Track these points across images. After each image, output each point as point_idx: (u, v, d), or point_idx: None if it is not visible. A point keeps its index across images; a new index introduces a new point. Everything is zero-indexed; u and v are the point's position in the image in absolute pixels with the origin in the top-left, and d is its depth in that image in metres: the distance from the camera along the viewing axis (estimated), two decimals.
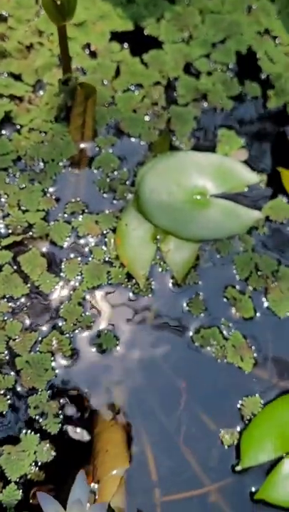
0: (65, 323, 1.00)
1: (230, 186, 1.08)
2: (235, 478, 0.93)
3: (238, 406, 0.96)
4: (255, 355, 0.99)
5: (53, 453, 0.91)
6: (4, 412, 0.94)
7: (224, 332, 1.00)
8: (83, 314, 1.00)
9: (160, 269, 1.04)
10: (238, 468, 0.93)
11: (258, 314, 1.02)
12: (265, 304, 1.02)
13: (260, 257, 1.05)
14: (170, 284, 1.03)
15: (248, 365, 0.98)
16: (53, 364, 0.97)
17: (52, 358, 0.98)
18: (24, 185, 1.08)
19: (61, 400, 0.95)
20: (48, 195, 1.07)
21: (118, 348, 0.99)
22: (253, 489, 0.92)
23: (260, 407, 0.96)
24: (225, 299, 1.02)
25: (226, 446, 0.94)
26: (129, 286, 1.02)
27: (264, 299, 1.03)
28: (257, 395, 0.97)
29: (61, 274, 1.03)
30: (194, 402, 0.97)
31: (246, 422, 0.95)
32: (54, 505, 0.65)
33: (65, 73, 1.10)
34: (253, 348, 0.99)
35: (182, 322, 1.01)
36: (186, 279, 1.03)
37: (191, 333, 1.00)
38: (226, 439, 0.94)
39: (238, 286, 1.03)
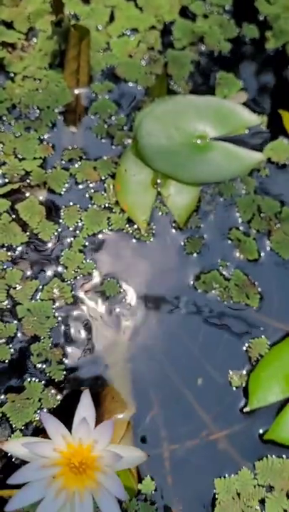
0: (65, 270, 0.97)
1: (230, 129, 1.04)
2: (244, 423, 0.90)
3: (245, 348, 0.93)
4: (259, 289, 0.96)
5: (58, 398, 0.89)
6: (7, 361, 0.91)
7: (224, 273, 0.97)
8: (84, 261, 0.97)
9: (161, 214, 1.00)
10: (247, 409, 0.90)
11: (262, 256, 0.98)
12: (269, 246, 0.99)
13: (263, 199, 1.01)
14: (172, 229, 1.00)
15: (254, 301, 0.95)
16: (55, 311, 0.94)
17: (53, 306, 0.95)
18: (20, 133, 1.03)
19: (64, 347, 0.92)
20: (45, 142, 1.03)
21: (121, 294, 0.96)
22: (261, 431, 0.90)
23: (267, 348, 0.93)
24: (228, 241, 0.99)
25: (234, 388, 0.91)
26: (131, 231, 0.99)
27: (267, 241, 0.99)
28: (263, 336, 0.94)
29: (60, 221, 0.99)
30: (200, 347, 0.94)
31: (253, 363, 0.93)
32: (58, 427, 0.62)
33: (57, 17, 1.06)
34: (257, 284, 0.96)
35: (185, 266, 0.98)
36: (188, 223, 1.00)
37: (193, 277, 0.97)
38: (235, 381, 0.91)
39: (241, 228, 1.00)
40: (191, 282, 0.96)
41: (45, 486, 0.60)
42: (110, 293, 0.95)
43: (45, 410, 0.88)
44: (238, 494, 0.86)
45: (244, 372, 0.92)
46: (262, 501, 0.86)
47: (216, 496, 0.86)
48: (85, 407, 0.61)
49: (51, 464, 0.62)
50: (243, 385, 0.91)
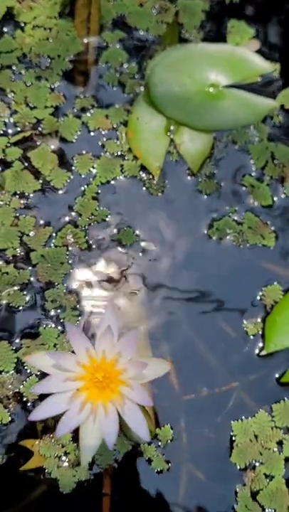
0: (80, 217, 0.94)
1: (242, 76, 1.01)
2: (261, 369, 0.88)
3: (259, 297, 0.91)
4: (272, 228, 0.94)
5: None
6: (21, 307, 0.89)
7: (236, 218, 0.94)
8: (98, 208, 0.95)
9: (174, 161, 0.97)
10: (263, 353, 0.88)
11: (276, 202, 0.96)
12: (283, 193, 0.97)
13: (276, 146, 0.98)
14: (185, 175, 0.97)
15: (270, 240, 0.93)
16: (68, 258, 0.92)
17: (67, 252, 0.92)
18: (31, 83, 1.00)
19: (79, 293, 0.90)
20: (56, 91, 1.00)
21: (135, 241, 0.93)
22: (278, 375, 0.88)
23: (281, 294, 0.91)
24: (242, 188, 0.97)
25: (251, 336, 0.89)
26: (144, 178, 0.96)
27: (281, 188, 0.97)
28: (276, 283, 0.92)
29: (73, 168, 0.97)
30: (214, 296, 0.92)
31: (268, 310, 0.91)
32: (83, 340, 0.59)
33: None
34: (270, 223, 0.94)
35: (199, 212, 0.95)
36: (202, 170, 0.97)
37: (206, 225, 0.94)
38: (250, 329, 0.89)
39: (254, 175, 0.97)
40: (205, 231, 0.94)
41: (69, 398, 0.58)
42: (126, 241, 0.93)
43: None
44: (256, 436, 0.84)
45: (259, 319, 0.90)
46: (279, 443, 0.84)
47: (234, 438, 0.84)
48: (109, 318, 0.59)
49: (75, 377, 0.59)
50: (260, 332, 0.89)
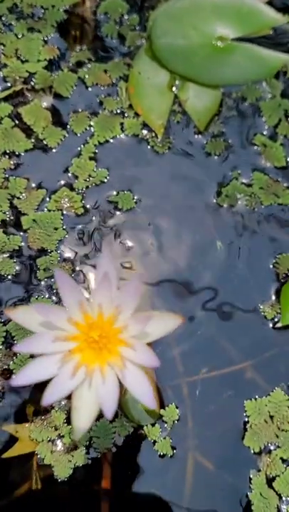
0: (76, 180, 0.85)
1: (253, 29, 0.92)
2: (275, 345, 0.79)
3: (271, 266, 0.82)
4: (285, 184, 0.85)
5: None
6: (11, 276, 0.80)
7: (244, 181, 0.85)
8: (96, 170, 0.85)
9: (179, 119, 0.88)
10: (279, 325, 0.79)
11: None
12: None
13: None
14: (191, 134, 0.88)
15: (286, 198, 0.84)
16: (63, 223, 0.82)
17: (62, 217, 0.83)
18: (22, 34, 0.91)
19: (74, 261, 0.81)
20: (50, 44, 0.91)
21: (136, 207, 0.84)
22: None
23: None
24: (253, 147, 0.87)
25: (265, 318, 0.80)
26: (146, 137, 0.87)
27: None
28: None
29: (68, 127, 0.87)
30: (227, 266, 0.82)
31: (282, 280, 0.81)
32: (75, 291, 0.49)
33: None
34: (281, 180, 0.85)
35: (208, 174, 0.86)
36: (209, 128, 0.88)
37: (216, 189, 0.85)
38: (268, 313, 0.80)
39: (266, 134, 0.88)
40: (214, 200, 0.84)
41: (59, 361, 0.48)
42: (124, 206, 0.84)
43: None
44: (271, 417, 0.75)
45: (273, 298, 0.81)
46: None
47: (247, 419, 0.75)
48: (106, 264, 0.49)
49: (66, 337, 0.50)
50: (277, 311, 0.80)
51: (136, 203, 0.84)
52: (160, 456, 0.73)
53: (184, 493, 0.73)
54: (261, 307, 0.79)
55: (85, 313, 0.50)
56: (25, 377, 0.47)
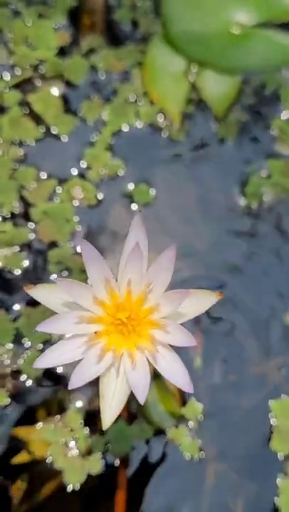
0: (89, 170, 0.80)
1: (272, 15, 0.87)
2: None
3: None
4: None
5: None
6: (21, 271, 0.74)
7: (262, 174, 0.80)
8: (110, 160, 0.80)
9: (196, 107, 0.83)
10: None
11: None
12: None
13: None
14: (209, 122, 0.83)
15: None
16: (75, 214, 0.77)
17: (74, 209, 0.78)
18: (31, 22, 0.86)
19: None
20: (61, 31, 0.86)
21: (152, 198, 0.79)
22: None
23: None
24: (272, 134, 0.82)
25: None
26: (162, 126, 0.82)
27: None
28: None
29: (80, 115, 0.82)
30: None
31: None
32: (101, 267, 0.44)
33: None
34: None
35: (228, 163, 0.81)
36: (228, 115, 0.83)
37: (238, 192, 0.80)
38: None
39: (285, 120, 0.83)
40: (241, 203, 0.79)
41: (83, 344, 0.43)
42: (140, 200, 0.78)
43: None
44: None
45: None
46: None
47: (274, 420, 0.69)
48: (137, 232, 0.43)
49: (91, 319, 0.44)
50: None
51: (152, 199, 0.79)
52: (184, 460, 0.68)
53: (206, 493, 0.67)
54: None
55: (111, 292, 0.44)
56: (48, 359, 0.42)
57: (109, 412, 0.43)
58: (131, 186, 0.79)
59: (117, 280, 0.45)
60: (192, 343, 0.42)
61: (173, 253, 0.42)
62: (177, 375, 0.43)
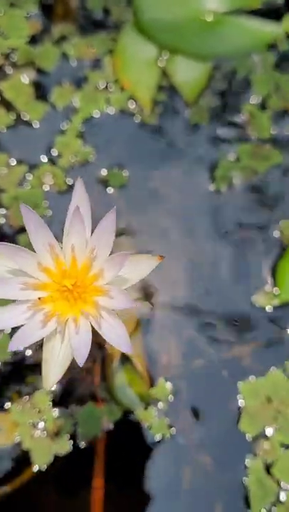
0: (60, 157, 0.80)
1: (242, 2, 0.87)
2: (271, 323, 0.73)
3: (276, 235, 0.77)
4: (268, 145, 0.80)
5: None
6: None
7: (230, 158, 0.80)
8: (82, 147, 0.80)
9: (167, 93, 0.83)
10: (276, 302, 0.74)
11: (275, 135, 0.81)
12: (285, 126, 0.82)
13: (281, 76, 0.84)
14: (180, 108, 0.83)
15: (277, 157, 0.79)
16: (46, 200, 0.77)
17: (44, 194, 0.78)
18: (3, 11, 0.87)
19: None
20: (32, 19, 0.87)
21: (125, 185, 0.79)
22: None
23: None
24: (241, 118, 0.82)
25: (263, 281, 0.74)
26: (133, 112, 0.82)
27: (283, 121, 0.82)
28: None
29: (52, 102, 0.82)
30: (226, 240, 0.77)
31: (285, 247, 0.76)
32: (44, 233, 0.44)
33: None
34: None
35: (198, 149, 0.81)
36: (198, 101, 0.83)
37: (209, 169, 0.80)
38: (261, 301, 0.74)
39: (255, 105, 0.83)
40: (210, 188, 0.79)
41: (28, 310, 0.43)
42: (115, 183, 0.78)
43: None
44: (268, 399, 0.69)
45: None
46: None
47: (243, 401, 0.69)
48: (79, 197, 0.43)
49: (36, 285, 0.44)
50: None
51: (125, 182, 0.79)
52: (153, 443, 0.68)
53: (179, 475, 0.67)
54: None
55: (56, 259, 0.44)
56: None
57: (52, 375, 0.43)
58: (104, 172, 0.79)
59: (62, 248, 0.45)
60: (130, 304, 0.42)
61: (113, 216, 0.42)
62: (118, 338, 0.43)
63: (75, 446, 0.67)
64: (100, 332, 0.43)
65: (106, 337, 0.42)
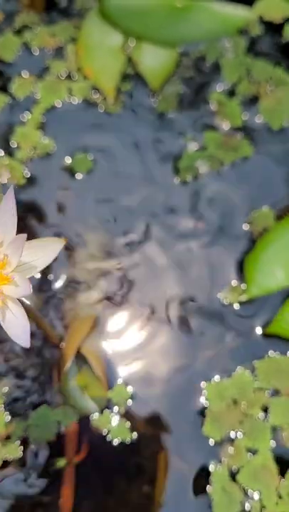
0: (19, 149, 0.76)
1: None
2: (239, 321, 0.69)
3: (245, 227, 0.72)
4: (238, 137, 0.76)
5: None
6: None
7: (195, 147, 0.76)
8: (42, 139, 0.76)
9: (132, 81, 0.79)
10: (243, 298, 0.69)
11: (245, 122, 0.77)
12: (255, 113, 0.77)
13: (253, 62, 0.80)
14: (145, 95, 0.78)
15: (246, 149, 0.74)
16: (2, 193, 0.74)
17: (1, 187, 0.74)
18: None
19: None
20: None
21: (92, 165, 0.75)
22: (262, 326, 0.68)
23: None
24: (209, 106, 0.78)
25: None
26: (97, 101, 0.78)
27: (253, 108, 0.78)
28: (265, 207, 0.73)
29: (11, 92, 0.79)
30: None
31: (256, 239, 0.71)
32: None
33: None
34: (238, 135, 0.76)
35: (163, 139, 0.77)
36: (164, 88, 0.79)
37: (172, 168, 0.75)
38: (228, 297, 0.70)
39: (224, 92, 0.78)
40: (175, 180, 0.75)
41: None
42: (81, 169, 0.74)
43: None
44: (234, 401, 0.65)
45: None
46: (264, 408, 0.65)
47: (207, 403, 0.65)
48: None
49: None
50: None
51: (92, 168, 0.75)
52: (113, 446, 0.63)
53: (135, 482, 0.63)
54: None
55: None
56: None
57: None
58: (68, 160, 0.75)
59: None
60: (27, 291, 0.38)
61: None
62: (18, 330, 0.38)
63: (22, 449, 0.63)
64: (3, 325, 0.39)
65: (6, 328, 0.38)
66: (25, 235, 0.39)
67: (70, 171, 0.75)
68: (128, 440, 0.63)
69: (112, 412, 0.64)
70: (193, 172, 0.74)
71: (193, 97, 0.78)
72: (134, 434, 0.64)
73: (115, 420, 0.64)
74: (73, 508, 0.63)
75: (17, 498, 0.63)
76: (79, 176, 0.75)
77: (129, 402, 0.65)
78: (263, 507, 0.61)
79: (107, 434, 0.63)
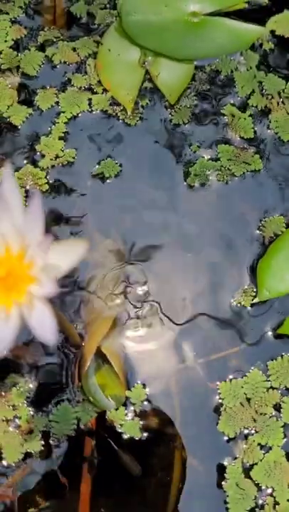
0: (42, 158, 0.78)
1: (226, 3, 0.86)
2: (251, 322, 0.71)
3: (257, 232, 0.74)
4: (252, 150, 0.78)
5: None
6: None
7: (209, 156, 0.78)
8: (64, 149, 0.79)
9: (150, 94, 0.82)
10: (255, 300, 0.71)
11: (257, 135, 0.79)
12: (267, 126, 0.80)
13: (265, 75, 0.82)
14: (162, 108, 0.81)
15: (257, 162, 0.77)
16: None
17: (25, 194, 0.76)
18: None
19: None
20: (17, 24, 0.86)
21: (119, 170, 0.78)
22: (274, 326, 0.70)
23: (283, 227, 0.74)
24: (223, 119, 0.80)
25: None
26: (116, 113, 0.81)
27: (265, 120, 0.80)
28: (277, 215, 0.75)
29: (35, 103, 0.81)
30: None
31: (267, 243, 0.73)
32: None
33: None
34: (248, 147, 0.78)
35: (178, 149, 0.79)
36: (180, 101, 0.81)
37: (183, 173, 0.78)
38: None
39: (237, 105, 0.81)
40: (184, 183, 0.77)
41: None
42: (109, 173, 0.77)
43: None
44: (248, 400, 0.67)
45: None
46: (277, 407, 0.66)
47: (221, 402, 0.66)
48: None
49: None
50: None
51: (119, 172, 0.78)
52: (127, 442, 0.65)
53: (152, 477, 0.65)
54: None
55: None
56: None
57: None
58: (90, 168, 0.78)
59: None
60: (52, 290, 0.40)
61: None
62: (45, 328, 0.41)
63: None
64: (28, 321, 0.41)
65: (33, 328, 0.40)
66: (51, 237, 0.41)
67: (96, 178, 0.77)
68: (144, 437, 0.65)
69: (128, 409, 0.66)
70: (204, 180, 0.77)
71: (207, 109, 0.81)
72: (150, 431, 0.66)
73: (131, 417, 0.66)
74: (91, 504, 0.65)
75: (37, 491, 0.65)
76: (99, 183, 0.77)
77: (146, 400, 0.67)
78: (276, 503, 0.63)
79: (124, 431, 0.65)
